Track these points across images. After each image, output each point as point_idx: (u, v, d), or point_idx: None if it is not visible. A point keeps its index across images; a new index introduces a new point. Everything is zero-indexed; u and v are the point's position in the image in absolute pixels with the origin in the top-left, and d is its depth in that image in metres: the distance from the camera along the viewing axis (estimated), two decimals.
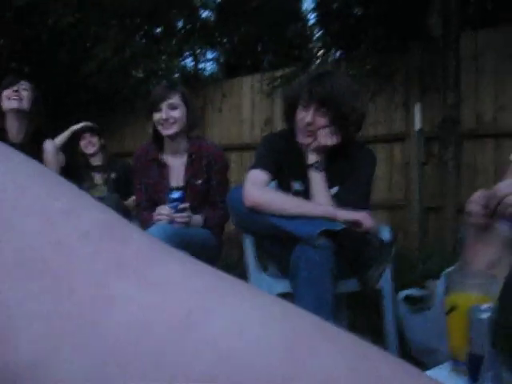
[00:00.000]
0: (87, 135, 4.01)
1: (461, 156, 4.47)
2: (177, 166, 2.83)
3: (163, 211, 2.63)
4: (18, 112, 2.99)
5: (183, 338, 0.20)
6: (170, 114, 2.72)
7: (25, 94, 3.01)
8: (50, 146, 3.10)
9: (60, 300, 0.20)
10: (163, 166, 2.82)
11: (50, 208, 0.22)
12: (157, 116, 2.73)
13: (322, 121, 2.18)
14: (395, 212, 5.07)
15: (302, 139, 2.24)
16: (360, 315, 2.96)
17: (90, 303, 0.20)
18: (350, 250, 2.04)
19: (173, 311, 0.20)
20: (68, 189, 0.23)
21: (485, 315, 1.12)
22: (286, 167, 2.34)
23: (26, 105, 3.00)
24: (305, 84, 2.23)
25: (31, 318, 0.19)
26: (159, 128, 2.75)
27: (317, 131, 2.19)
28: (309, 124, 2.18)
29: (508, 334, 0.98)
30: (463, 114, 4.51)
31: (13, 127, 3.01)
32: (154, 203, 2.76)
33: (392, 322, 2.37)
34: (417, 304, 2.58)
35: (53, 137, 3.48)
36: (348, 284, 2.29)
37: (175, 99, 2.76)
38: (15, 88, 2.98)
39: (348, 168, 2.27)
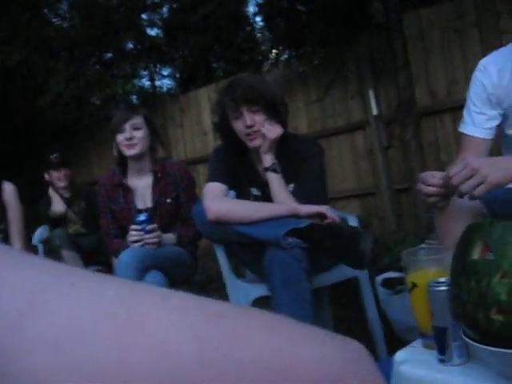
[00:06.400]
0: (62, 168, 3.98)
1: (421, 134, 4.54)
2: (142, 187, 2.83)
3: (134, 229, 2.62)
4: None
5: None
6: (134, 133, 2.74)
7: None
8: (8, 186, 3.13)
9: None
10: (128, 191, 2.83)
11: None
12: (120, 137, 2.75)
13: (259, 117, 2.23)
14: (366, 199, 5.12)
15: (252, 144, 2.27)
16: (343, 306, 3.00)
17: None
18: (323, 243, 2.04)
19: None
20: None
21: (443, 288, 1.16)
22: (242, 175, 2.38)
23: None
24: (224, 98, 2.28)
25: None
26: (123, 149, 2.76)
27: (261, 130, 2.23)
28: (250, 126, 2.22)
29: (463, 303, 1.02)
30: (417, 93, 4.59)
31: None
32: (124, 229, 2.75)
33: (372, 307, 2.41)
34: (395, 286, 2.63)
35: (19, 172, 3.50)
36: (329, 276, 2.33)
37: (138, 120, 2.78)
38: None
39: (297, 164, 2.30)
